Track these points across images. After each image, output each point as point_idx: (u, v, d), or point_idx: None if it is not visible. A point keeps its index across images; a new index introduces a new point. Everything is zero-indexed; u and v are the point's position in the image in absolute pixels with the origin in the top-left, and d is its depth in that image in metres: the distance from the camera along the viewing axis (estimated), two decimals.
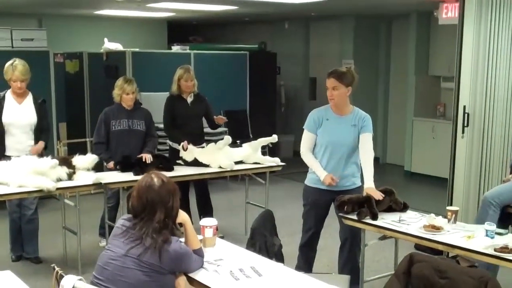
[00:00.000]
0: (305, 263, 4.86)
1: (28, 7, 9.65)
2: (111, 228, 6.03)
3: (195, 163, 6.12)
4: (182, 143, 6.17)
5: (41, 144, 5.66)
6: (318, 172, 4.64)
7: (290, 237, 5.73)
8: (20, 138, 5.62)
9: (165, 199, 3.13)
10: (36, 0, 8.85)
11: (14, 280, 3.25)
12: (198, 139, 6.36)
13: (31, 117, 5.65)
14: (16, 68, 5.52)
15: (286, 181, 9.54)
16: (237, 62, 9.91)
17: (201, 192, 6.63)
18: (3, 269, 3.40)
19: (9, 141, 5.59)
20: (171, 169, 5.79)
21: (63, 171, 5.31)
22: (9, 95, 5.65)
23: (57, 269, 3.15)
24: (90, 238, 6.28)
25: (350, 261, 4.80)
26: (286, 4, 8.76)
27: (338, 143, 4.63)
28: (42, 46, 8.24)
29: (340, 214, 4.46)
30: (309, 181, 4.83)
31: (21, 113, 5.62)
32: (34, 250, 5.90)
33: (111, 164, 5.84)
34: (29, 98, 5.70)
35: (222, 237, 4.09)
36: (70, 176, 5.36)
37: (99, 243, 6.36)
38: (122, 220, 3.19)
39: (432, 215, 4.22)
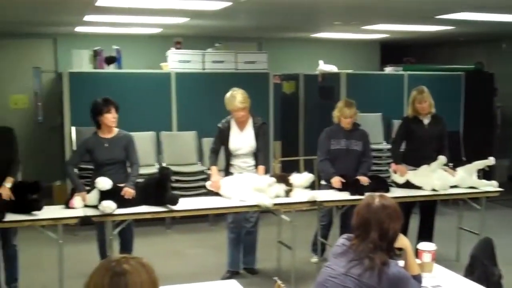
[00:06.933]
0: None
1: (251, 31, 10.28)
2: (323, 245, 6.26)
3: (407, 185, 6.10)
4: (393, 166, 6.23)
5: (262, 169, 5.83)
6: None
7: (508, 267, 5.47)
8: (245, 159, 5.94)
9: (381, 220, 3.09)
10: (260, 25, 9.40)
11: None
12: (432, 162, 6.17)
13: (252, 142, 5.90)
14: (235, 98, 5.75)
15: (501, 207, 9.08)
16: (451, 83, 9.69)
17: (427, 214, 6.56)
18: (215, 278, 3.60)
19: (235, 161, 5.94)
20: (387, 190, 5.81)
21: (281, 188, 5.59)
22: (233, 122, 5.92)
23: (279, 282, 3.30)
24: (302, 253, 6.38)
25: None
26: (504, 23, 8.40)
27: None
28: (262, 68, 8.68)
29: None
30: None
31: (244, 140, 5.89)
32: (252, 261, 6.22)
33: (336, 179, 5.97)
34: (250, 123, 5.93)
35: None
36: (287, 193, 5.62)
37: (311, 259, 6.52)
38: (343, 239, 3.23)
39: None
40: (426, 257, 3.58)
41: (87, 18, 8.11)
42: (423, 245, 3.64)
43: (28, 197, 5.05)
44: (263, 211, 5.89)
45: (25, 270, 5.85)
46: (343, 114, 6.10)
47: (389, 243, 3.15)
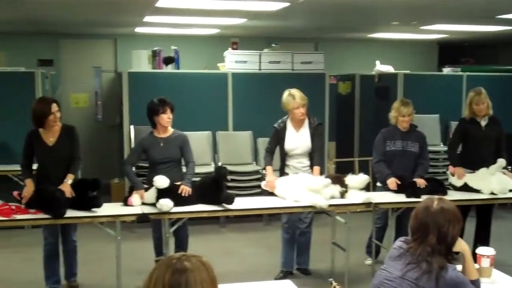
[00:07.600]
0: None
1: (307, 31, 10.27)
2: (377, 247, 6.21)
3: (465, 188, 6.00)
4: (450, 169, 6.14)
5: (317, 170, 5.81)
6: None
7: None
8: (301, 160, 5.95)
9: (439, 223, 3.06)
10: (316, 26, 9.39)
11: None
12: (490, 165, 6.06)
13: (307, 143, 5.91)
14: (294, 96, 5.80)
15: None
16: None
17: (484, 218, 6.45)
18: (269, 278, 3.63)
19: (291, 162, 5.96)
20: (445, 193, 5.72)
21: (336, 189, 5.57)
22: (289, 123, 5.97)
23: (334, 283, 3.30)
24: (356, 255, 6.34)
25: None
26: None
27: None
28: (319, 68, 8.66)
29: None
30: None
31: (299, 140, 5.91)
32: (305, 261, 6.22)
33: (392, 180, 5.91)
34: (306, 124, 5.94)
35: None
36: (342, 195, 5.61)
37: (365, 261, 6.50)
38: (400, 242, 3.20)
39: None
40: (485, 262, 3.52)
41: (147, 19, 8.26)
42: (482, 250, 3.57)
43: (88, 194, 5.18)
44: (318, 212, 5.90)
45: (84, 265, 6.00)
46: (400, 113, 6.04)
47: (447, 247, 3.10)
